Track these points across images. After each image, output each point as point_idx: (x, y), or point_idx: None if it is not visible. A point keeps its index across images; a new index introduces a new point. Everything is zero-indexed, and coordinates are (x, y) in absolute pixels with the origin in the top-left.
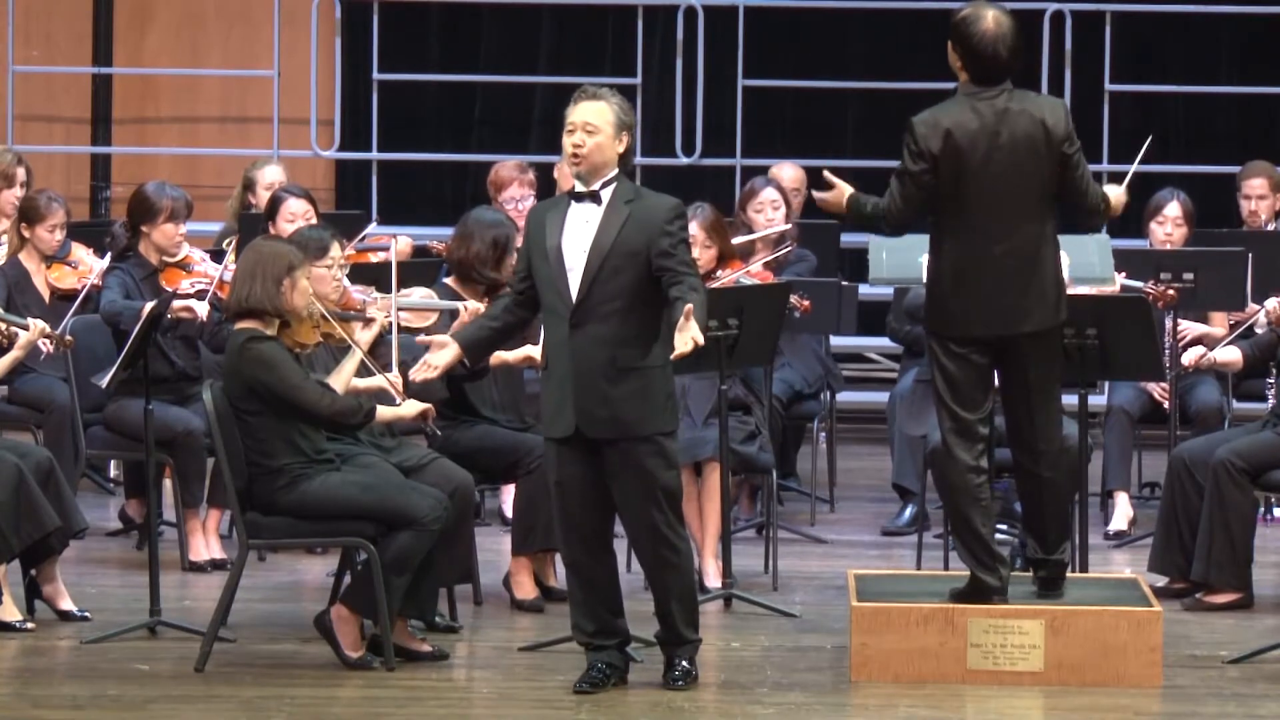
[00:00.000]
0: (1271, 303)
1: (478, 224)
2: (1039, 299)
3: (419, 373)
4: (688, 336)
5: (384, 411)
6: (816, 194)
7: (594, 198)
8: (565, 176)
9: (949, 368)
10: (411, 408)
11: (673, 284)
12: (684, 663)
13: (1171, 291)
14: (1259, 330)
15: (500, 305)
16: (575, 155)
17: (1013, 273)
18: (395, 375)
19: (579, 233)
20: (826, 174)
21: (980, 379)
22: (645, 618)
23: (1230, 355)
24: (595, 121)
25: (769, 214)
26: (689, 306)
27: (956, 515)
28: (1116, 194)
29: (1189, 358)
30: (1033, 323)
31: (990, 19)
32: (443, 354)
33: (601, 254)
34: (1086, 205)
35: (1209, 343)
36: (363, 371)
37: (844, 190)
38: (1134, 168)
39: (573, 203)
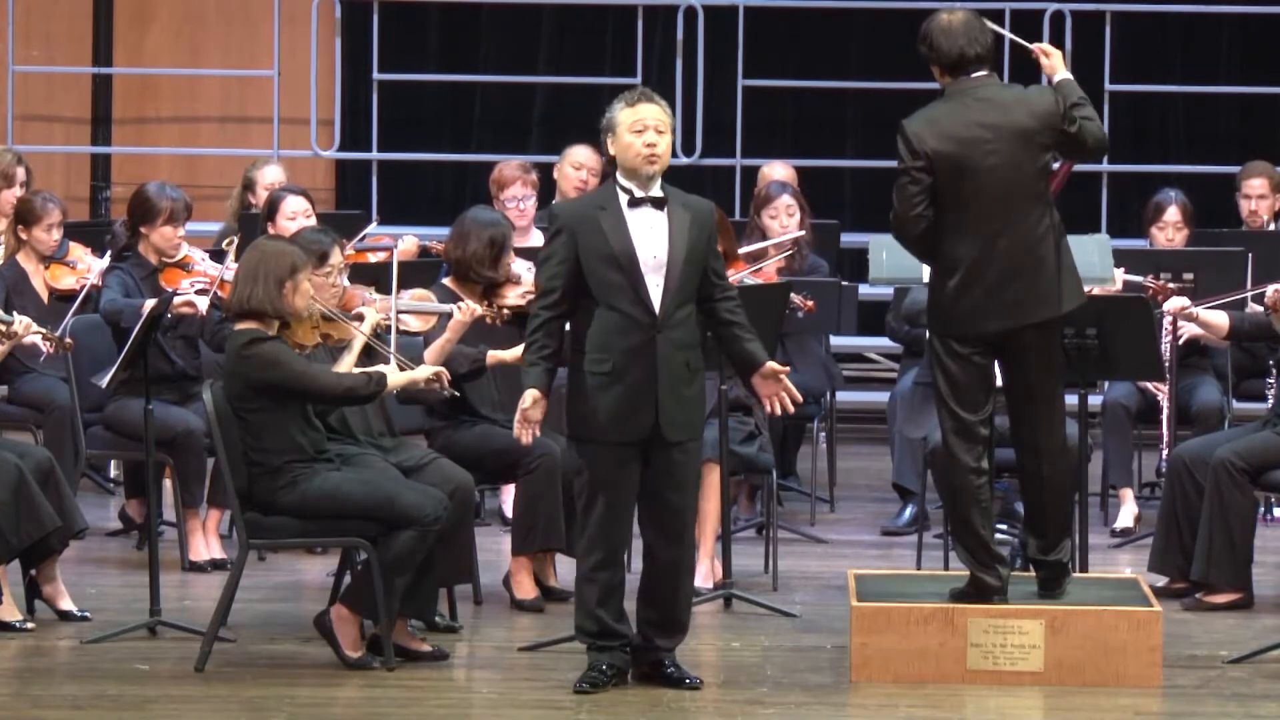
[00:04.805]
0: (1271, 289)
1: (474, 223)
2: (1045, 290)
3: (523, 432)
4: (780, 390)
5: (397, 378)
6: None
7: (656, 203)
8: (565, 176)
9: (951, 368)
10: (424, 371)
11: (720, 301)
12: (676, 662)
13: (1172, 286)
14: (1253, 307)
15: (551, 334)
16: (653, 155)
17: (1017, 265)
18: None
19: (648, 239)
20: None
21: (982, 380)
22: None
23: (1217, 317)
24: (665, 122)
25: (784, 220)
26: (773, 365)
27: (956, 516)
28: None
29: (1172, 305)
30: (1040, 314)
31: (944, 14)
32: (535, 409)
33: (679, 261)
34: (1087, 151)
35: (1205, 339)
36: (363, 362)
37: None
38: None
39: (627, 206)
